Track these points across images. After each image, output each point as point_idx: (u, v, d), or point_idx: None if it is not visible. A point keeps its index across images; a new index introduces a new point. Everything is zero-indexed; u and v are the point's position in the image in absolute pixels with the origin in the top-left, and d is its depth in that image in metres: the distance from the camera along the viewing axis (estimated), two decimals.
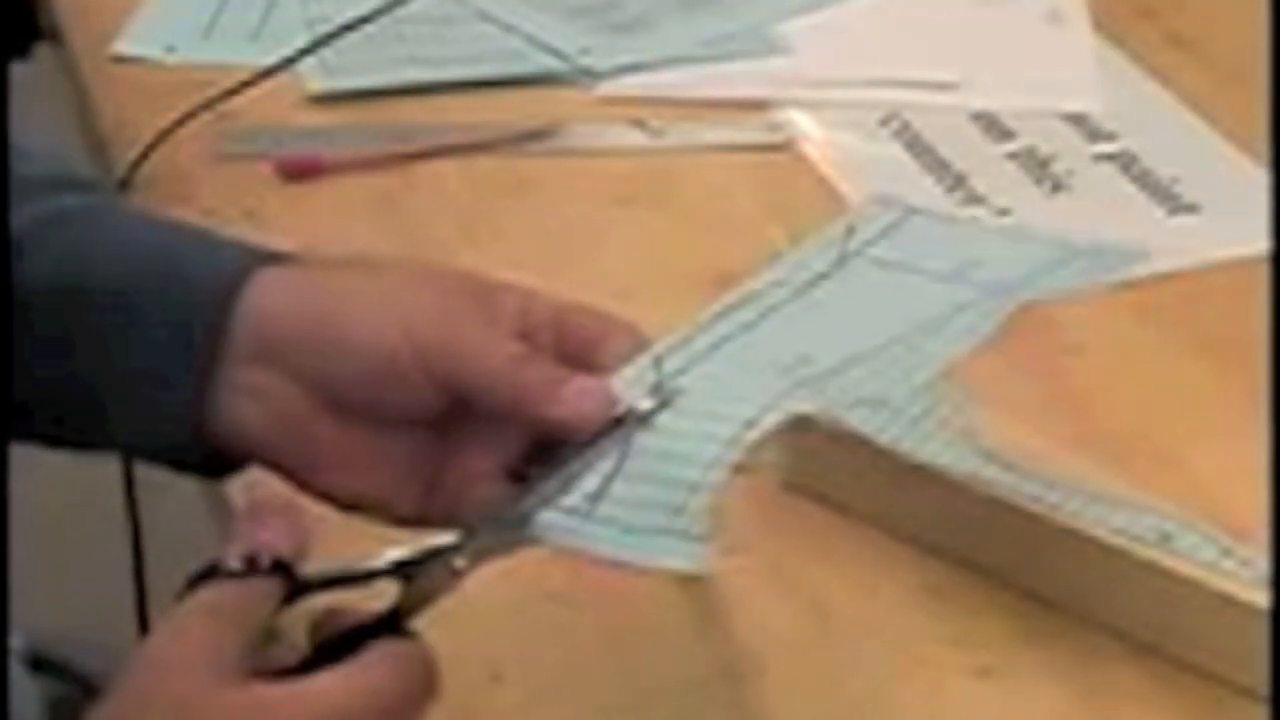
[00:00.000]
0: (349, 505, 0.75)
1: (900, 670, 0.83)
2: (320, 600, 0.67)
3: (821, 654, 0.83)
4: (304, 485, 0.74)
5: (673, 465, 0.70)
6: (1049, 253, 0.82)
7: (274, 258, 0.76)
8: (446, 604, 0.68)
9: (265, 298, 0.74)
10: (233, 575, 0.64)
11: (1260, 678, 0.77)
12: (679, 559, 0.68)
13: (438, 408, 0.73)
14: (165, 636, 0.64)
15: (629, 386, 0.72)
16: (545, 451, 0.72)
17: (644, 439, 0.71)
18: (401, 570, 0.67)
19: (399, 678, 0.65)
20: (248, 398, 0.74)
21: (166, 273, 0.75)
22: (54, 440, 0.79)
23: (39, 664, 0.93)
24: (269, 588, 0.65)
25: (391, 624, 0.66)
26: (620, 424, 0.71)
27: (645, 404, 0.71)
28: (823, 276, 0.80)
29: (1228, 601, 0.80)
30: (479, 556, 0.68)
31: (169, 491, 1.18)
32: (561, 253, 1.06)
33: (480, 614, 0.83)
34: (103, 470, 1.23)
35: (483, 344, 0.72)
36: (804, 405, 0.74)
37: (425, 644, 0.66)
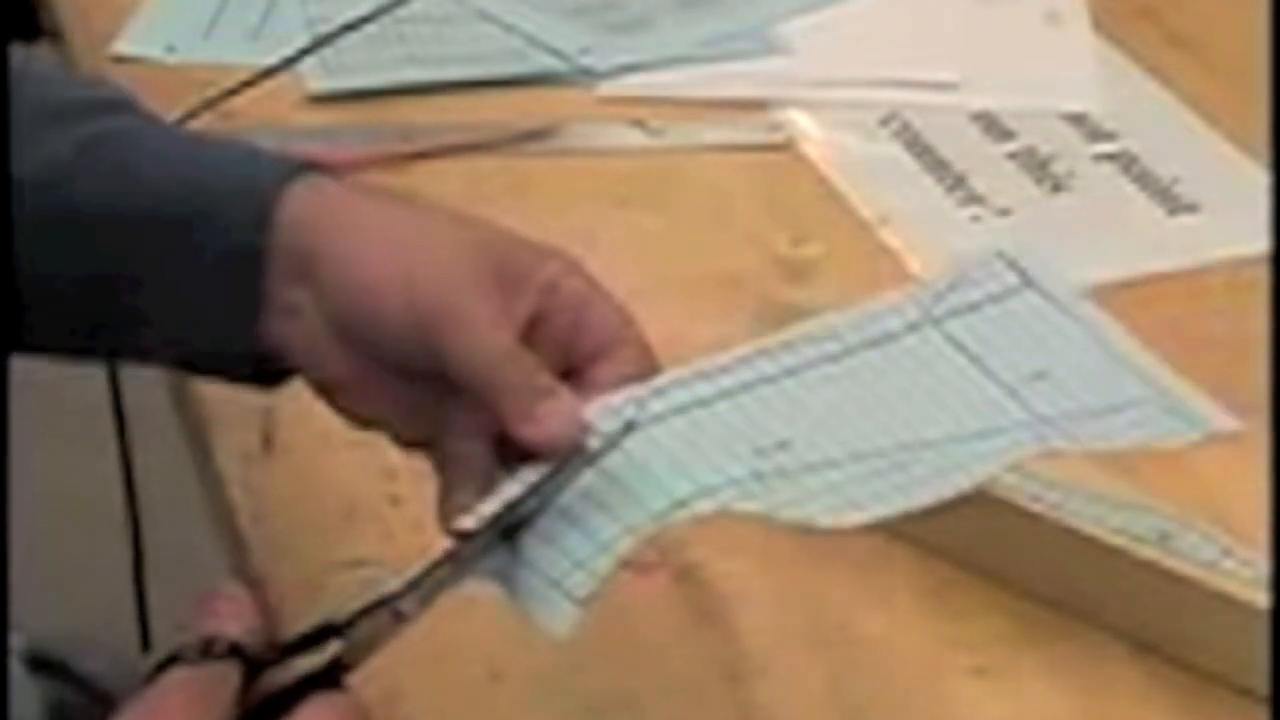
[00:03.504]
0: (370, 427, 0.76)
1: (900, 670, 0.83)
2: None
3: (822, 654, 0.83)
4: (328, 402, 0.75)
5: (598, 515, 0.67)
6: (1129, 389, 0.76)
7: (312, 167, 0.76)
8: (446, 604, 0.68)
9: (301, 215, 0.74)
10: (192, 661, 0.65)
11: (1260, 678, 0.77)
12: (552, 618, 0.66)
13: (422, 365, 0.72)
14: (133, 717, 0.64)
15: (604, 418, 0.69)
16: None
17: (588, 476, 0.68)
18: (350, 624, 0.66)
19: None
20: (286, 314, 0.74)
21: (211, 190, 0.75)
22: (82, 351, 0.80)
23: (39, 664, 0.93)
24: (226, 670, 0.65)
25: (326, 677, 0.66)
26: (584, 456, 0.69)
27: (595, 443, 0.69)
28: (888, 338, 0.74)
29: (1228, 601, 0.80)
30: (426, 600, 0.67)
31: (169, 494, 1.18)
32: None
33: (480, 614, 0.83)
34: (103, 470, 1.24)
35: (477, 325, 0.71)
36: (747, 505, 0.68)
37: (358, 697, 0.66)
